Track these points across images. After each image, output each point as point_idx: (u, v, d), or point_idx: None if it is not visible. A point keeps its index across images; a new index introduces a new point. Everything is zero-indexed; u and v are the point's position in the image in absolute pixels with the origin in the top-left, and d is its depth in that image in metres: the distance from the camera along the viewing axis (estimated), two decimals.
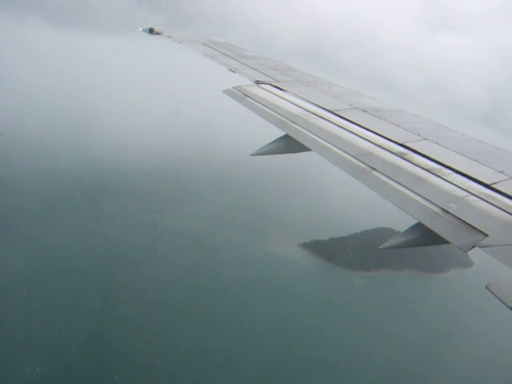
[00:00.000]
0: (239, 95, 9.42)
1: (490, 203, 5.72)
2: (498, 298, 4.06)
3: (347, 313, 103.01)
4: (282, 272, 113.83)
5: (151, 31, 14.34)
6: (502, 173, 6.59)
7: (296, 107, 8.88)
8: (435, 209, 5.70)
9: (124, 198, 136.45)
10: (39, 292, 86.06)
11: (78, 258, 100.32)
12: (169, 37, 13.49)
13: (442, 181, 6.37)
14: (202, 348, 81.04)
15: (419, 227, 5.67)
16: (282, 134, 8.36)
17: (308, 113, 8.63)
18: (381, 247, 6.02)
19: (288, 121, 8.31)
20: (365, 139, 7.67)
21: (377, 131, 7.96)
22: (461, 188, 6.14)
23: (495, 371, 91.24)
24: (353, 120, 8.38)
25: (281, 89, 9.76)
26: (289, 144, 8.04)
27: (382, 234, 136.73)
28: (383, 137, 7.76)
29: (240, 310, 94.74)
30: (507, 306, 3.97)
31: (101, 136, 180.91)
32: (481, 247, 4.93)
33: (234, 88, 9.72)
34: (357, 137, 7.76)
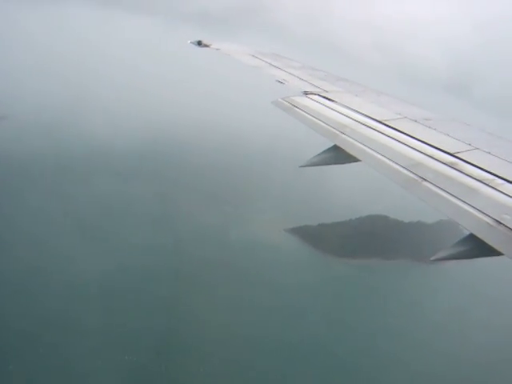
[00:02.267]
0: (287, 106, 9.63)
1: None
2: None
3: (324, 303, 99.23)
4: (263, 257, 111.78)
5: (200, 44, 14.86)
6: None
7: (345, 117, 9.02)
8: (488, 220, 5.68)
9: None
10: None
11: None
12: (217, 49, 13.92)
13: (495, 191, 6.32)
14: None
15: (471, 239, 5.68)
16: (330, 144, 8.51)
17: (357, 123, 8.76)
18: (432, 259, 6.07)
19: (337, 131, 8.46)
20: (415, 149, 7.71)
21: (427, 141, 7.97)
22: None
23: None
24: (402, 130, 8.43)
25: (330, 99, 9.91)
26: (338, 155, 8.18)
27: (375, 221, 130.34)
28: (433, 147, 7.76)
29: (218, 295, 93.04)
30: None
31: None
32: None
33: (282, 99, 9.93)
34: (406, 147, 7.81)
